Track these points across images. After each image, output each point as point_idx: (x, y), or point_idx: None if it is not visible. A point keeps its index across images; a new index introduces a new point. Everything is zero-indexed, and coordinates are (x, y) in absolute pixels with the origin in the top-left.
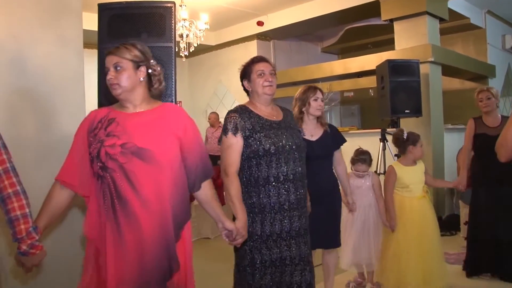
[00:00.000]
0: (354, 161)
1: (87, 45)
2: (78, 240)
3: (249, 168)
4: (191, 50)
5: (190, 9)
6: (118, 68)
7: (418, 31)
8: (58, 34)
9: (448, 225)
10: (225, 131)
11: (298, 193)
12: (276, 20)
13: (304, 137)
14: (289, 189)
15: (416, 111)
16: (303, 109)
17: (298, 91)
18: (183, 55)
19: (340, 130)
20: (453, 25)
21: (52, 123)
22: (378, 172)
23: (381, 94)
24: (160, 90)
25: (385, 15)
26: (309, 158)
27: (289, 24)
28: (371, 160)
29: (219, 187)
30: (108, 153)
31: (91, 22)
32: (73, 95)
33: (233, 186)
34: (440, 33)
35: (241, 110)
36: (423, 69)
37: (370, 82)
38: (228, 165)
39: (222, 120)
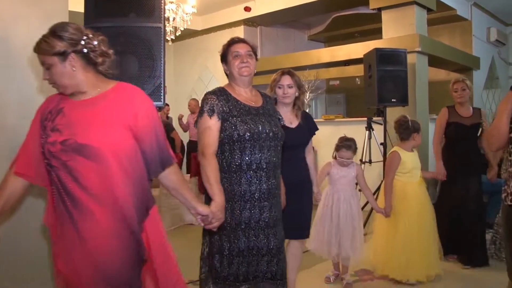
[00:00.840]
0: (338, 148)
1: None
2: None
3: (222, 153)
4: (177, 34)
5: None
6: (47, 67)
7: (406, 20)
8: (42, 11)
9: None
10: (201, 112)
11: (270, 182)
12: (264, 6)
13: (284, 124)
14: (261, 178)
15: (403, 100)
16: (274, 96)
17: None
18: (169, 39)
19: (325, 117)
20: (440, 16)
21: (36, 105)
22: (364, 160)
23: (368, 83)
24: (110, 62)
25: (373, 4)
26: (288, 146)
27: (277, 11)
28: (356, 147)
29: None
30: (50, 151)
31: (76, 2)
32: None
33: (211, 167)
34: (427, 23)
35: (219, 92)
36: (410, 58)
37: (357, 70)
38: (206, 146)
39: None
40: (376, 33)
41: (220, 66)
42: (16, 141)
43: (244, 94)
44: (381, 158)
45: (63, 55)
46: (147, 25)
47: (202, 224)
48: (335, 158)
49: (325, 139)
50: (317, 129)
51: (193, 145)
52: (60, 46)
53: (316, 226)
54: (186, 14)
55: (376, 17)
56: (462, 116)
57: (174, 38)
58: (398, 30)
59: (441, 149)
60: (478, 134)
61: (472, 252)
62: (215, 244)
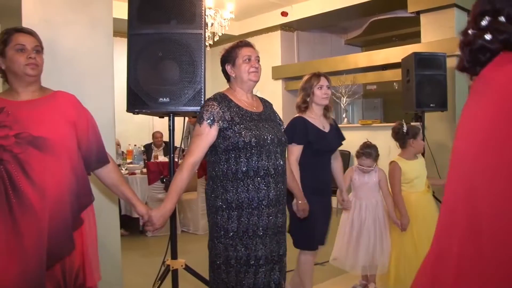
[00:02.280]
0: (358, 155)
1: (114, 33)
2: None
3: (227, 161)
4: (215, 40)
5: None
6: (36, 51)
7: (446, 24)
8: (89, 17)
9: None
10: (200, 119)
11: (278, 188)
12: (301, 11)
13: (318, 127)
14: (269, 184)
15: (442, 105)
16: (308, 99)
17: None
18: (207, 44)
19: (362, 122)
20: None
21: None
22: None
23: (406, 87)
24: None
25: (411, 7)
26: (322, 151)
27: (314, 15)
28: (377, 155)
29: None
30: (2, 145)
31: (119, 10)
32: (102, 79)
33: (180, 175)
34: None
35: (220, 99)
36: (450, 63)
37: (394, 75)
38: (189, 153)
39: None
40: (415, 37)
41: None
42: None
43: (246, 99)
44: None
45: (42, 49)
46: (188, 31)
47: (141, 224)
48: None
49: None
50: (343, 138)
51: None
52: (41, 42)
53: (338, 235)
54: (224, 19)
55: (414, 21)
56: None
57: (212, 43)
58: (437, 33)
59: None
60: None
61: None
62: (221, 255)
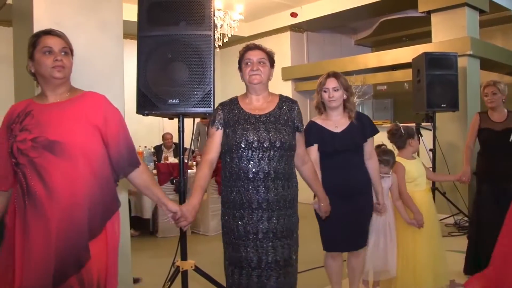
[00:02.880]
0: None
1: (124, 35)
2: None
3: (224, 163)
4: (224, 41)
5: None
6: (64, 53)
7: (457, 23)
8: (99, 20)
9: None
10: (209, 122)
11: (269, 192)
12: (310, 11)
13: (327, 128)
14: (258, 188)
15: (453, 106)
16: (321, 101)
17: None
18: (216, 46)
19: None
20: (493, 17)
21: None
22: None
23: (417, 88)
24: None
25: (422, 7)
26: (331, 151)
27: (323, 16)
28: (394, 161)
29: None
30: (20, 148)
31: (129, 12)
32: (113, 81)
33: (201, 172)
34: (480, 25)
35: (227, 102)
36: (461, 62)
37: (404, 75)
38: (204, 152)
39: None
40: (425, 37)
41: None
42: None
43: (255, 102)
44: (430, 165)
45: (72, 52)
46: (197, 33)
47: (172, 222)
48: None
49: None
50: (375, 131)
51: None
52: (71, 44)
53: None
54: (234, 21)
55: (425, 20)
56: (494, 122)
57: (221, 44)
58: (448, 33)
59: (471, 154)
60: (510, 140)
61: None
62: (226, 255)
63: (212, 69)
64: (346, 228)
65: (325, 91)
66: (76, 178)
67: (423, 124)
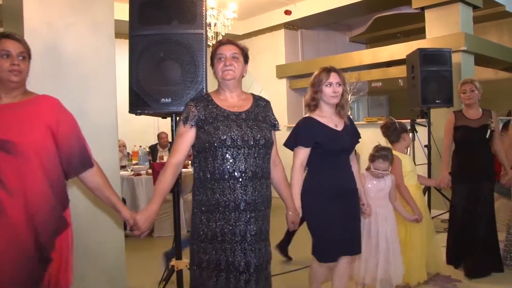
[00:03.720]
0: (374, 158)
1: (116, 34)
2: None
3: (199, 163)
4: (218, 39)
5: None
6: (21, 57)
7: (451, 19)
8: (90, 19)
9: None
10: (179, 120)
11: (247, 193)
12: (304, 9)
13: (329, 126)
14: (235, 189)
15: (447, 102)
16: (316, 96)
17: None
18: (210, 44)
19: (368, 120)
20: (487, 13)
21: (85, 110)
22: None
23: (412, 84)
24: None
25: (416, 3)
26: (336, 150)
27: (317, 13)
28: (393, 157)
29: None
30: None
31: (121, 11)
32: (105, 81)
33: (162, 176)
34: (474, 21)
35: (200, 99)
36: (455, 58)
37: (399, 71)
38: (171, 153)
39: None
40: (419, 33)
41: (261, 70)
42: None
43: (230, 99)
44: (425, 161)
45: (29, 56)
46: (189, 31)
47: (128, 228)
48: (367, 169)
49: (368, 142)
50: (360, 136)
51: None
52: (29, 48)
53: None
54: (227, 19)
55: (419, 17)
56: (470, 119)
57: (215, 43)
58: (442, 29)
59: (450, 156)
60: (487, 136)
61: (485, 259)
62: (195, 257)
63: (204, 67)
64: (346, 232)
65: (327, 86)
66: (31, 176)
67: (418, 120)
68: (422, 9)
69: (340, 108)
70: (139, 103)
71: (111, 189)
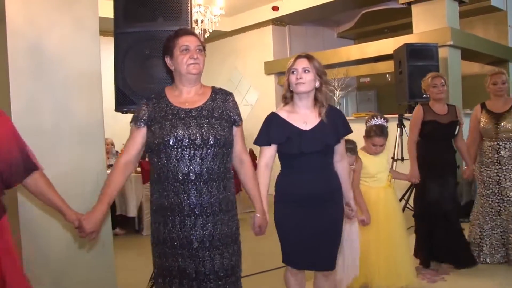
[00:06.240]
0: None
1: (102, 32)
2: None
3: (152, 164)
4: (206, 36)
5: None
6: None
7: (437, 14)
8: (74, 17)
9: (466, 211)
10: (131, 119)
11: (202, 196)
12: (292, 4)
13: (295, 125)
14: (189, 191)
15: None
16: (288, 87)
17: None
18: None
19: (356, 115)
20: (473, 7)
21: (69, 109)
22: (395, 158)
23: (399, 79)
24: None
25: None
26: (297, 153)
27: (305, 9)
28: (357, 150)
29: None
30: None
31: (106, 8)
32: (90, 79)
33: (111, 176)
34: (460, 16)
35: (153, 97)
36: (442, 53)
37: (387, 67)
38: (122, 152)
39: None
40: (407, 28)
41: (249, 67)
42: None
43: (185, 95)
44: None
45: None
46: (174, 28)
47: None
48: None
49: (356, 138)
50: (349, 131)
51: None
52: None
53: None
54: (214, 16)
55: (406, 12)
56: (438, 114)
57: (203, 40)
58: (428, 24)
59: (415, 149)
60: (456, 132)
61: (459, 253)
62: (155, 263)
63: None
64: (309, 245)
65: (292, 72)
66: None
67: (405, 115)
68: (409, 4)
69: (319, 105)
70: (125, 101)
71: (54, 192)
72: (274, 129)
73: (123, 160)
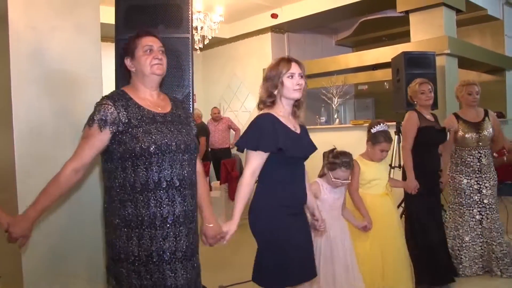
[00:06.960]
0: (334, 166)
1: (103, 38)
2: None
3: (124, 171)
4: (205, 43)
5: (204, 1)
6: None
7: (434, 22)
8: (76, 23)
9: None
10: (90, 120)
11: (186, 203)
12: (291, 12)
13: (289, 127)
14: (174, 199)
15: (432, 104)
16: (275, 92)
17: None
18: (197, 48)
19: (354, 123)
20: (470, 16)
21: (70, 114)
22: (393, 165)
23: (397, 87)
24: None
25: (400, 7)
26: (298, 158)
27: (304, 17)
28: (352, 163)
29: (233, 180)
30: None
31: (107, 15)
32: (91, 85)
33: (53, 181)
34: (457, 24)
35: (117, 97)
36: (439, 61)
37: (385, 74)
38: (72, 157)
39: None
40: (405, 36)
41: (248, 73)
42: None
43: (150, 98)
44: None
45: None
46: (175, 35)
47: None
48: (321, 176)
49: (354, 145)
50: (315, 147)
51: (213, 153)
52: None
53: None
54: (214, 22)
55: (404, 20)
56: (429, 120)
57: (202, 46)
58: (426, 32)
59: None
60: (448, 138)
61: (451, 266)
62: (124, 281)
63: (191, 71)
64: (305, 254)
65: (289, 77)
66: None
67: (403, 123)
68: (407, 12)
69: (296, 108)
70: None
71: None
72: (279, 132)
73: (72, 166)
